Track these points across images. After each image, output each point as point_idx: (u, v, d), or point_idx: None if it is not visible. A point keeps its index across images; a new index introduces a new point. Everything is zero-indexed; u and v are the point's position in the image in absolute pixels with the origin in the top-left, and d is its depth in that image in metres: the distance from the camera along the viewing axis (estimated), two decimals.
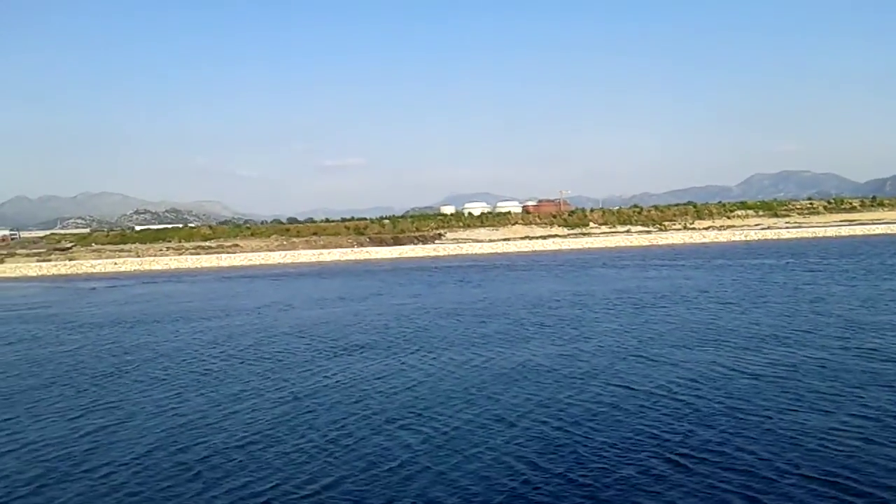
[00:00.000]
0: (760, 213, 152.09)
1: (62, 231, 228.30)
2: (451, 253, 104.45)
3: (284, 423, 17.71)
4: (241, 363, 25.94)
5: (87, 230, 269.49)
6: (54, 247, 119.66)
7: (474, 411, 17.91)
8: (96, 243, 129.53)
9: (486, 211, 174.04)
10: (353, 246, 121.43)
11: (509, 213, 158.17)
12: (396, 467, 14.22)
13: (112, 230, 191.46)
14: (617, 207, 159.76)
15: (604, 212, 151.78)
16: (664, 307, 35.94)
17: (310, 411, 18.68)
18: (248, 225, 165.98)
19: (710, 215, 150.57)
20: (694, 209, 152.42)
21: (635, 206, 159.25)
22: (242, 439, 16.46)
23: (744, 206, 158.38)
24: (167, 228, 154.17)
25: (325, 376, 22.89)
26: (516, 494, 12.66)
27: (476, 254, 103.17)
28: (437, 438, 15.88)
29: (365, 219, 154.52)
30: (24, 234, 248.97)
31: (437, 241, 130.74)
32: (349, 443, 15.87)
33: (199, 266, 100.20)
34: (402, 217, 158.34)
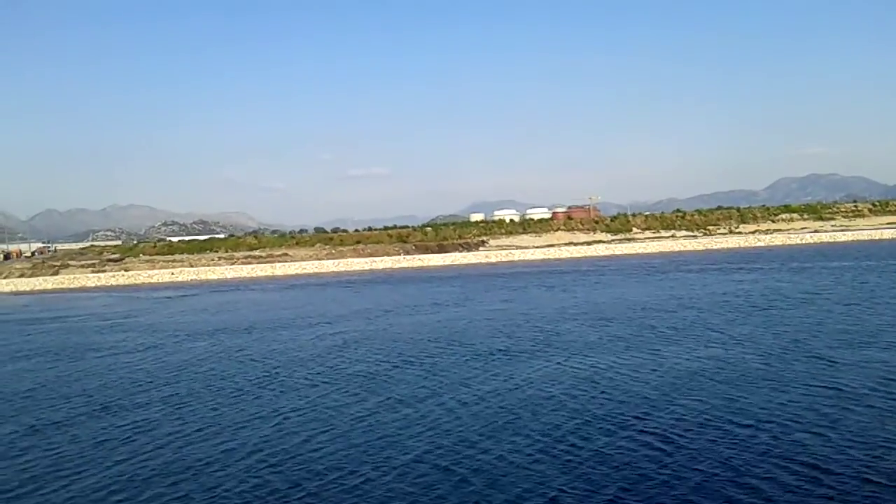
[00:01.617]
0: (805, 216, 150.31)
1: (101, 243, 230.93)
2: (503, 259, 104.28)
3: (509, 424, 17.62)
4: (395, 367, 25.92)
5: (119, 242, 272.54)
6: (107, 258, 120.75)
7: (704, 415, 17.68)
8: (144, 254, 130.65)
9: (515, 218, 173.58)
10: (399, 254, 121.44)
11: (552, 219, 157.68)
12: (638, 475, 14.05)
13: (142, 242, 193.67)
14: (661, 212, 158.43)
15: (646, 217, 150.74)
16: (786, 309, 35.53)
17: (525, 413, 18.55)
18: (292, 235, 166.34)
19: (755, 219, 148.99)
20: (738, 213, 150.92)
21: (678, 210, 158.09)
22: (487, 439, 16.40)
23: (787, 209, 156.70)
24: (213, 239, 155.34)
25: (505, 379, 22.76)
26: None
27: (527, 260, 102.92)
28: (679, 440, 15.71)
29: (407, 227, 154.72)
30: (60, 247, 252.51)
31: (480, 248, 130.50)
32: (590, 447, 15.74)
33: (254, 275, 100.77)
34: (444, 225, 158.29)
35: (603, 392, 20.40)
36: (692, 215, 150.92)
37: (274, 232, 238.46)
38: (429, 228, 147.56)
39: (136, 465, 16.21)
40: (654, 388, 20.41)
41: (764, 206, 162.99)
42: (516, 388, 21.36)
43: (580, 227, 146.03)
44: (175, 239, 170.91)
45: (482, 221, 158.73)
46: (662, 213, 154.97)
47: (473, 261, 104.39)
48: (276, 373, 26.24)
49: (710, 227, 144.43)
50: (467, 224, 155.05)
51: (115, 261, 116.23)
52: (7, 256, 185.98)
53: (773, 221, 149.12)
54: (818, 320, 31.26)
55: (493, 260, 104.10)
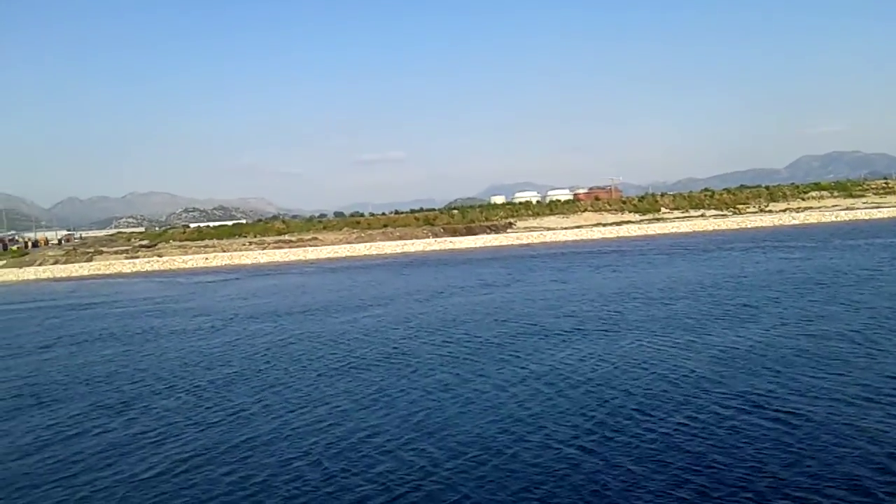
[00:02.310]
0: (835, 193, 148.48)
1: (125, 230, 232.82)
2: (535, 241, 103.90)
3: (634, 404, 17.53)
4: (475, 349, 25.85)
5: (142, 229, 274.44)
6: (138, 244, 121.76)
7: (830, 391, 17.50)
8: (173, 240, 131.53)
9: (536, 200, 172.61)
10: (428, 236, 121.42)
11: (578, 200, 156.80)
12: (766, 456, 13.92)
13: (170, 228, 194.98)
14: (688, 192, 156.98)
15: (674, 196, 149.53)
16: (852, 285, 35.10)
17: (639, 393, 18.46)
18: (319, 219, 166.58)
19: (784, 197, 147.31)
20: (767, 191, 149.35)
21: (706, 189, 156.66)
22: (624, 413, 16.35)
23: (818, 186, 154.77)
24: (242, 224, 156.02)
25: (599, 359, 22.62)
26: None
27: (559, 241, 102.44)
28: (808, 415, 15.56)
29: (425, 210, 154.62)
30: (85, 234, 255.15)
31: (508, 230, 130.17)
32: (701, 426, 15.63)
33: (286, 259, 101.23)
34: (471, 207, 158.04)
35: (713, 369, 20.20)
36: (721, 194, 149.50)
37: (295, 216, 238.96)
38: (455, 211, 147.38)
39: (239, 436, 16.34)
40: (762, 365, 20.22)
41: (793, 184, 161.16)
42: (612, 368, 21.23)
43: (607, 207, 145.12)
44: (199, 225, 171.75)
45: (508, 203, 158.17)
46: (690, 192, 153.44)
47: (505, 243, 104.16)
48: (361, 354, 26.28)
49: (740, 206, 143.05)
50: (493, 206, 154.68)
51: (147, 247, 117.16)
52: (35, 244, 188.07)
53: (803, 199, 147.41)
54: (892, 294, 30.92)
55: (525, 241, 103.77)
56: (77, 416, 20.17)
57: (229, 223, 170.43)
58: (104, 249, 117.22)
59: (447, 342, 27.38)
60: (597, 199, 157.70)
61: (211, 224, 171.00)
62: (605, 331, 27.29)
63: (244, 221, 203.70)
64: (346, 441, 16.01)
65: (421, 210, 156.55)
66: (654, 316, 30.04)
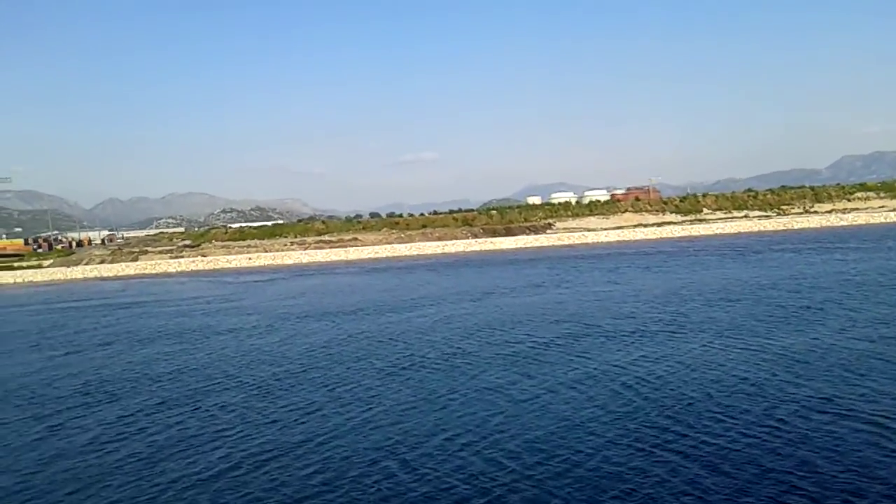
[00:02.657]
0: (881, 194, 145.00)
1: (168, 230, 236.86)
2: (577, 241, 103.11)
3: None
4: (537, 348, 25.59)
5: (182, 229, 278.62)
6: (182, 244, 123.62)
7: None
8: (216, 240, 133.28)
9: (572, 201, 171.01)
10: (467, 237, 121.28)
11: (617, 200, 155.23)
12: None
13: (212, 228, 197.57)
14: (731, 192, 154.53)
15: (716, 197, 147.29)
16: None
17: (718, 395, 18.08)
18: (358, 220, 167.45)
19: (829, 198, 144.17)
20: (812, 192, 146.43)
21: (749, 190, 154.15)
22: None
23: (864, 187, 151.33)
24: (282, 224, 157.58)
25: (663, 360, 22.24)
26: None
27: (601, 242, 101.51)
28: None
29: (472, 210, 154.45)
30: (127, 234, 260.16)
31: (548, 231, 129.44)
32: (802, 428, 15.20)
33: (328, 259, 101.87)
34: (509, 208, 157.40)
35: (791, 372, 19.71)
36: (764, 195, 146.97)
37: (330, 217, 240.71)
38: (494, 212, 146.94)
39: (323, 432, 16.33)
40: (843, 368, 19.66)
41: (837, 184, 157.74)
42: (687, 370, 20.82)
43: (648, 208, 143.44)
44: (240, 225, 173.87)
45: (547, 204, 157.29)
46: (733, 192, 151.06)
47: (546, 243, 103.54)
48: (423, 353, 26.20)
49: (784, 207, 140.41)
50: (532, 207, 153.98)
51: (190, 247, 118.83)
52: (79, 244, 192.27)
53: (849, 200, 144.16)
54: None
55: (566, 242, 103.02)
56: (148, 410, 20.41)
57: (270, 224, 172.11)
58: (149, 249, 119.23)
59: (508, 342, 27.17)
60: (637, 199, 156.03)
61: (253, 225, 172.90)
62: (671, 332, 26.81)
63: (282, 222, 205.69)
64: (429, 439, 15.91)
65: (459, 210, 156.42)
66: (716, 318, 29.47)
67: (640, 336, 26.52)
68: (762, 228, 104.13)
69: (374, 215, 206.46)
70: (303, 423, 18.02)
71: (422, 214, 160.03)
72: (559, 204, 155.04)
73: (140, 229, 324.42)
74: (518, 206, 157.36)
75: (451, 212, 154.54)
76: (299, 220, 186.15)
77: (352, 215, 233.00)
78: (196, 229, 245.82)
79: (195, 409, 20.22)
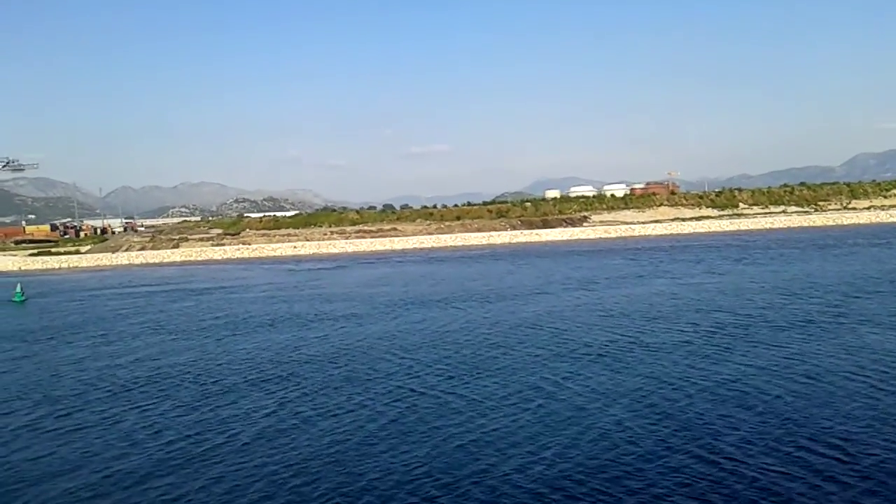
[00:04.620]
0: None
1: (193, 219, 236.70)
2: (624, 234, 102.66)
3: None
4: (692, 338, 25.11)
5: (198, 217, 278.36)
6: (215, 232, 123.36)
7: None
8: (250, 228, 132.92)
9: (590, 195, 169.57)
10: (505, 228, 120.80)
11: (654, 194, 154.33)
12: None
13: (216, 218, 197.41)
14: (767, 187, 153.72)
15: (753, 192, 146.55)
16: None
17: None
18: (396, 211, 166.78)
19: (866, 194, 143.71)
20: (848, 188, 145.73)
21: (785, 185, 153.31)
22: None
23: None
24: (316, 214, 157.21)
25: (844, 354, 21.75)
26: None
27: (651, 235, 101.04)
28: None
29: (506, 202, 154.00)
30: (147, 223, 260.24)
31: (584, 224, 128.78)
32: None
33: (372, 249, 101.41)
34: (543, 200, 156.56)
35: None
36: (801, 190, 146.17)
37: (344, 209, 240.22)
38: (528, 203, 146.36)
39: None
40: None
41: (874, 181, 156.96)
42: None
43: (684, 202, 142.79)
44: (274, 214, 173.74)
45: (582, 196, 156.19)
46: (770, 188, 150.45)
47: (592, 236, 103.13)
48: (579, 341, 25.67)
49: (821, 203, 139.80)
50: (566, 199, 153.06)
51: (231, 235, 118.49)
52: (103, 231, 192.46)
53: (885, 197, 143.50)
54: None
55: (613, 235, 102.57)
56: (303, 395, 19.94)
57: (304, 213, 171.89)
58: (189, 237, 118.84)
59: (668, 330, 26.65)
60: (672, 193, 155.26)
61: (287, 214, 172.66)
62: (842, 323, 26.24)
63: (297, 212, 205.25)
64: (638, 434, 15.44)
65: (483, 203, 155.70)
66: (872, 308, 28.87)
67: (807, 327, 25.90)
68: (811, 224, 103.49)
69: (386, 206, 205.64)
70: (473, 413, 17.56)
71: (444, 206, 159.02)
72: (594, 196, 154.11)
73: (152, 217, 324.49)
74: (552, 199, 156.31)
75: (486, 203, 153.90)
76: (324, 209, 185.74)
77: (364, 206, 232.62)
78: (210, 218, 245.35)
79: (407, 391, 19.75)
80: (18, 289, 55.66)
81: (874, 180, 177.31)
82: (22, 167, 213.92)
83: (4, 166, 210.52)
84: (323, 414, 18.13)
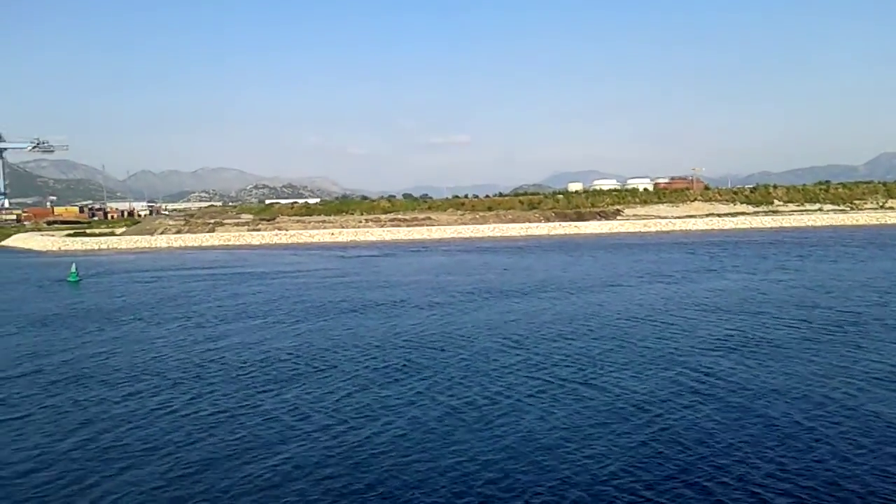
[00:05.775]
0: None
1: (218, 204, 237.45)
2: (664, 229, 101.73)
3: None
4: (801, 334, 24.58)
5: (220, 203, 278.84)
6: (260, 217, 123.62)
7: None
8: (283, 214, 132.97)
9: (614, 188, 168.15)
10: (539, 220, 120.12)
11: (687, 189, 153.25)
12: None
13: (238, 204, 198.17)
14: (802, 184, 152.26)
15: (787, 189, 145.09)
16: None
17: None
18: (424, 200, 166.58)
19: None
20: (884, 188, 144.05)
21: (819, 182, 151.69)
22: None
23: None
24: (347, 201, 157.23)
25: None
26: None
27: (688, 230, 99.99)
28: None
29: (538, 193, 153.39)
30: (169, 206, 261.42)
31: (618, 217, 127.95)
32: None
33: (410, 238, 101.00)
34: (575, 192, 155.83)
35: None
36: (836, 188, 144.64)
37: (364, 198, 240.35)
38: (560, 196, 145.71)
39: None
40: None
41: (882, 182, 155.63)
42: None
43: (718, 197, 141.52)
44: (306, 201, 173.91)
45: (614, 190, 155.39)
46: (804, 185, 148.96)
47: (632, 229, 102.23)
48: (696, 334, 25.24)
49: (856, 202, 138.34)
50: (599, 192, 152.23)
51: (267, 220, 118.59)
52: (130, 214, 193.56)
53: None
54: None
55: (653, 229, 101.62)
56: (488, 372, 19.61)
57: (326, 201, 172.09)
58: (226, 221, 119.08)
59: (786, 325, 26.19)
60: (706, 188, 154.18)
61: (318, 201, 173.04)
62: None
63: (314, 200, 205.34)
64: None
65: (525, 194, 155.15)
66: None
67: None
68: (854, 222, 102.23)
69: (406, 196, 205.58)
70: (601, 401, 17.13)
71: (456, 197, 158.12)
72: (627, 190, 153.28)
73: (171, 201, 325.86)
74: (585, 191, 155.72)
75: (517, 194, 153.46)
76: (352, 196, 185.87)
77: (384, 196, 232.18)
78: (230, 204, 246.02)
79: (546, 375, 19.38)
80: (74, 269, 55.49)
81: None
82: (52, 148, 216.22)
83: (34, 147, 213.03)
84: (499, 404, 17.81)
